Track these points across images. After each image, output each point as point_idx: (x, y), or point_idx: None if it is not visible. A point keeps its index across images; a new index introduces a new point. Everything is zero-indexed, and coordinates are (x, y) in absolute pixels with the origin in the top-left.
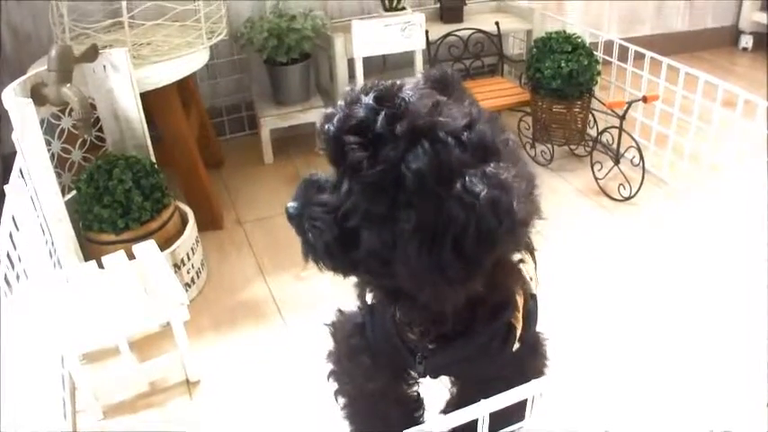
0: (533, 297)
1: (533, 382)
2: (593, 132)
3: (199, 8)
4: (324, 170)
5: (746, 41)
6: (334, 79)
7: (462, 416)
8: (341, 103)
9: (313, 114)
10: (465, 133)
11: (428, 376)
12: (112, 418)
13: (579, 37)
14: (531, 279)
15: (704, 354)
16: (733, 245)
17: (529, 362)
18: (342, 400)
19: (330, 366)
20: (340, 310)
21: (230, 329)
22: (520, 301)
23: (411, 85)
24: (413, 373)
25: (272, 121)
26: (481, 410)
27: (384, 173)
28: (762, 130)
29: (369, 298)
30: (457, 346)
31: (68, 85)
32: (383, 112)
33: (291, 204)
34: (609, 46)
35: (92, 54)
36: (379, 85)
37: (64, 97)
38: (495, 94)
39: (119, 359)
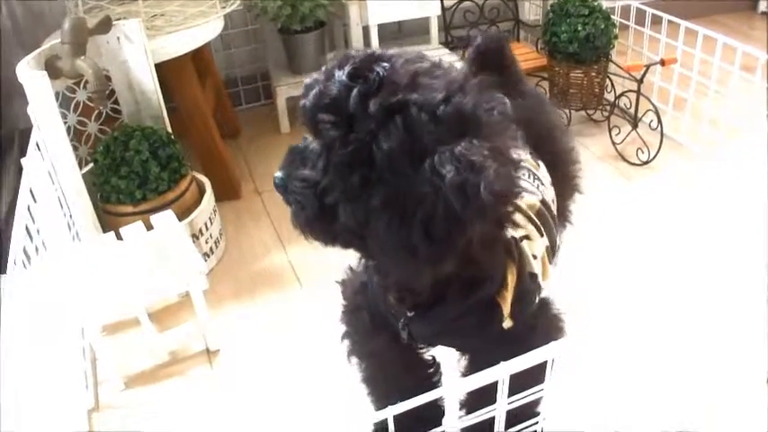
0: (533, 276)
1: (551, 344)
2: (610, 97)
3: None
4: None
5: (766, 5)
6: (350, 47)
7: (479, 379)
8: (318, 76)
9: None
10: (441, 107)
11: (417, 343)
12: (134, 388)
13: (596, 0)
14: (534, 258)
15: (717, 322)
16: (752, 209)
17: (531, 342)
18: (354, 361)
19: (341, 326)
20: (350, 268)
21: (250, 298)
22: (511, 279)
23: (393, 54)
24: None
25: (287, 89)
26: (500, 373)
27: (356, 152)
28: None
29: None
30: (432, 316)
31: (83, 57)
32: (356, 89)
33: (277, 175)
34: (626, 10)
35: (105, 26)
36: (356, 56)
37: (78, 70)
38: None
39: (139, 330)
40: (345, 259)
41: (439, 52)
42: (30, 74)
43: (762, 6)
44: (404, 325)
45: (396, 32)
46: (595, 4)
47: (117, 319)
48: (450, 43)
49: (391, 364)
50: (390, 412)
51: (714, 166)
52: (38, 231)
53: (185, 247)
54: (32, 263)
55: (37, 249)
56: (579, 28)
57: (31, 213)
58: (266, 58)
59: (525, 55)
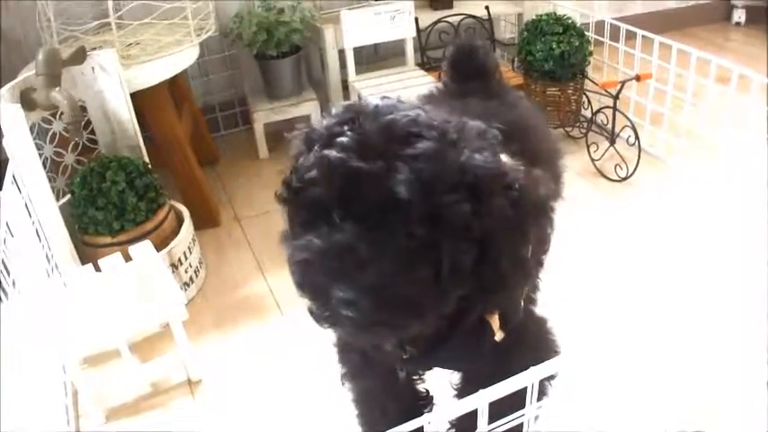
0: None
1: (530, 370)
2: (587, 113)
3: (186, 6)
4: None
5: (739, 16)
6: (326, 71)
7: (460, 407)
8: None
9: (306, 107)
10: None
11: (413, 375)
12: (115, 420)
13: (569, 18)
14: None
15: (704, 332)
16: (732, 223)
17: (522, 352)
18: (347, 385)
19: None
20: None
21: (231, 327)
22: None
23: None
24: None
25: (265, 115)
26: (479, 401)
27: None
28: (756, 105)
29: None
30: (429, 350)
31: (57, 88)
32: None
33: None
34: (600, 26)
35: (80, 56)
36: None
37: (53, 101)
38: None
39: (120, 361)
40: None
41: (415, 74)
42: (4, 107)
43: (735, 17)
44: (401, 365)
45: (372, 55)
46: (569, 21)
47: (97, 351)
48: (425, 64)
49: (383, 396)
50: None
51: (692, 181)
52: (14, 266)
53: (164, 277)
54: (9, 297)
55: (14, 283)
56: (554, 46)
57: (6, 247)
58: (243, 84)
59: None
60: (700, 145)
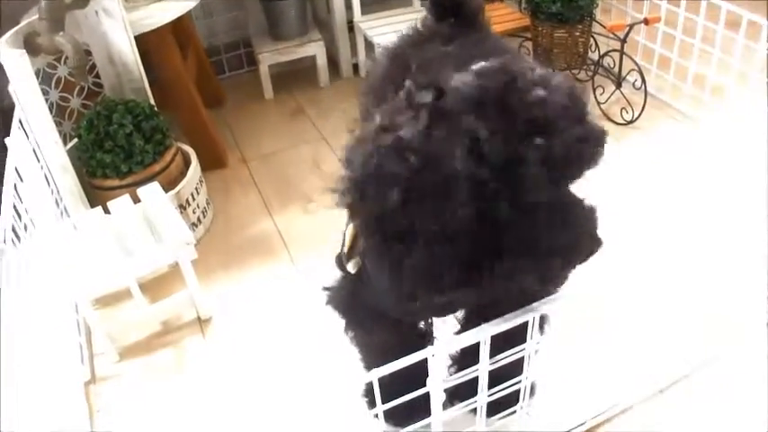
0: None
1: (532, 305)
2: (594, 56)
3: None
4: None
5: None
6: (332, 11)
7: (462, 339)
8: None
9: (311, 48)
10: None
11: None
12: (128, 359)
13: None
14: None
15: (706, 275)
16: (736, 166)
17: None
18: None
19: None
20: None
21: (239, 267)
22: None
23: None
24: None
25: (270, 56)
26: (482, 334)
27: None
28: (764, 51)
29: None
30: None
31: (61, 33)
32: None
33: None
34: None
35: (83, 0)
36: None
37: (58, 45)
38: (495, 20)
39: (131, 302)
40: (334, 224)
41: (421, 14)
42: (8, 52)
43: None
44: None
45: None
46: None
47: (109, 292)
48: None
49: (388, 340)
50: (375, 375)
51: (699, 126)
52: (26, 210)
53: (172, 218)
54: (22, 241)
55: (26, 227)
56: None
57: (17, 192)
58: (248, 25)
59: (508, 15)
60: (707, 90)
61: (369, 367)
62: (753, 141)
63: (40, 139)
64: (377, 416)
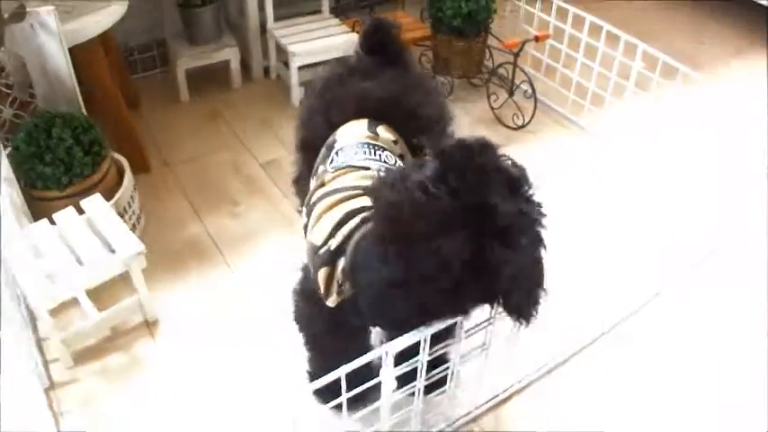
0: None
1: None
2: (489, 64)
3: None
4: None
5: None
6: (246, 16)
7: (408, 338)
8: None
9: (226, 53)
10: None
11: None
12: (83, 364)
13: None
14: None
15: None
16: (620, 165)
17: None
18: (302, 331)
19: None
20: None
21: (175, 271)
22: None
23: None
24: None
25: (187, 60)
26: (422, 335)
27: None
28: (637, 66)
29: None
30: None
31: (2, 48)
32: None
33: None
34: None
35: (20, 15)
36: None
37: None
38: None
39: (77, 308)
40: (260, 225)
41: (330, 22)
42: None
43: None
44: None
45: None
46: None
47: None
48: (338, 11)
49: (336, 339)
50: (343, 371)
51: (583, 130)
52: None
53: (119, 228)
54: None
55: None
56: (462, 5)
57: None
58: (163, 28)
59: (410, 25)
60: (588, 99)
61: (320, 366)
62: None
63: None
64: (338, 407)
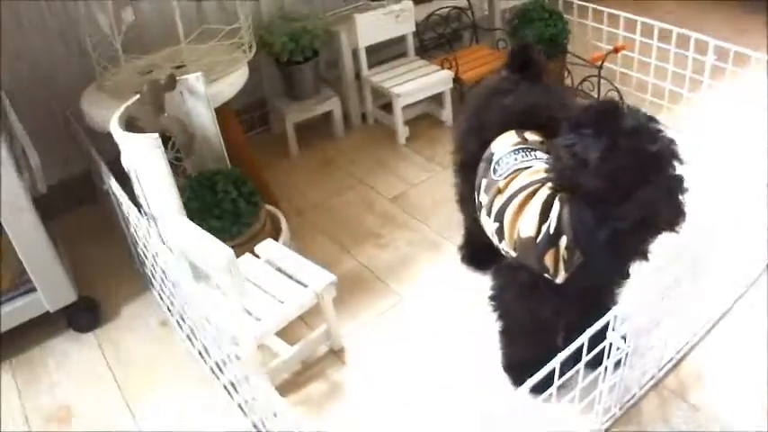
0: None
1: None
2: (568, 81)
3: (241, 25)
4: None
5: None
6: (342, 68)
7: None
8: None
9: (329, 103)
10: None
11: None
12: (285, 396)
13: (550, 5)
14: None
15: None
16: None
17: None
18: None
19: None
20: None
21: (343, 302)
22: None
23: None
24: None
25: (294, 115)
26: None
27: None
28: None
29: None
30: None
31: (165, 114)
32: None
33: None
34: (568, 5)
35: (171, 84)
36: None
37: (164, 127)
38: (479, 61)
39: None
40: (409, 253)
41: (418, 63)
42: (144, 141)
43: None
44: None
45: (373, 49)
46: (553, 8)
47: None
48: (422, 51)
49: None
50: (557, 361)
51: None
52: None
53: (305, 263)
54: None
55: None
56: (543, 30)
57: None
58: (263, 89)
59: (488, 56)
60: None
61: (520, 353)
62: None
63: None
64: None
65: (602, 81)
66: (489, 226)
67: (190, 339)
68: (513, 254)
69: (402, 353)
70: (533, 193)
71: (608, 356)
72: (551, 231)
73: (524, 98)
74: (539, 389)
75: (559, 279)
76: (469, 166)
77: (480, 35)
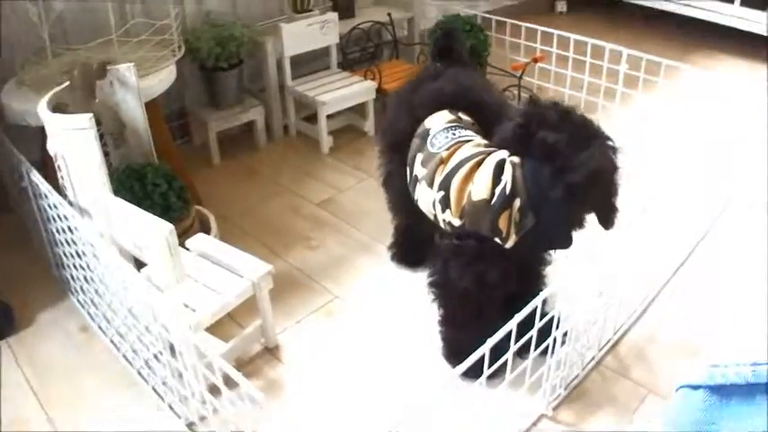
0: None
1: None
2: None
3: (170, 24)
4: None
5: (561, 6)
6: (266, 77)
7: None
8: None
9: (253, 112)
10: None
11: None
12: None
13: (471, 18)
14: None
15: None
16: None
17: None
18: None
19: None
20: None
21: (275, 303)
22: None
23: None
24: None
25: (217, 124)
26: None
27: None
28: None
29: None
30: None
31: (96, 101)
32: None
33: None
34: (487, 21)
35: (102, 71)
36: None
37: (96, 114)
38: (401, 74)
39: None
40: (342, 254)
41: (341, 75)
42: (79, 119)
43: (558, 8)
44: None
45: (298, 60)
46: (473, 22)
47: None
48: (345, 65)
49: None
50: (487, 346)
51: None
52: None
53: (239, 254)
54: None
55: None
56: (465, 41)
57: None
58: (184, 98)
59: (409, 70)
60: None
61: (461, 335)
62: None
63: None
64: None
65: (522, 91)
66: (430, 196)
67: (114, 343)
68: (458, 222)
69: (338, 349)
70: (480, 162)
71: (552, 352)
72: (507, 192)
73: (453, 80)
74: (473, 373)
75: (509, 243)
76: (400, 146)
77: (401, 51)
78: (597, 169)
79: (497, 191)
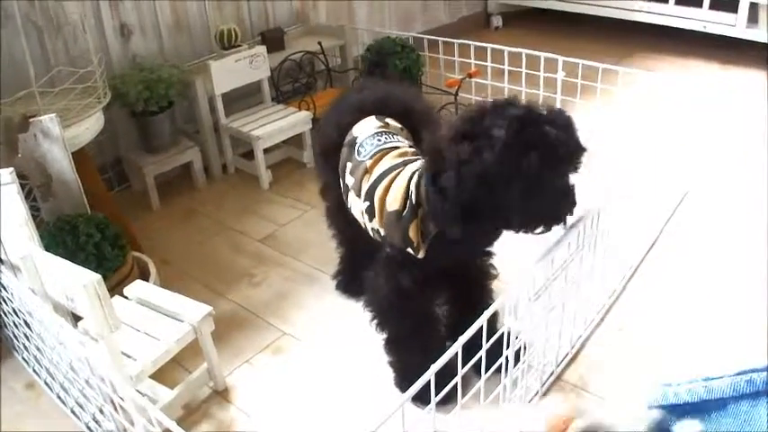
0: None
1: None
2: None
3: (94, 70)
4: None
5: (497, 21)
6: (198, 117)
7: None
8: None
9: (189, 154)
10: None
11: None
12: None
13: (403, 39)
14: None
15: None
16: None
17: None
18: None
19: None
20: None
21: (222, 346)
22: None
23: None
24: None
25: (154, 168)
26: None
27: None
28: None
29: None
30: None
31: (18, 155)
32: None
33: None
34: (418, 41)
35: (24, 125)
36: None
37: (19, 169)
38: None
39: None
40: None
41: (276, 108)
42: (4, 186)
43: (494, 23)
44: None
45: (231, 96)
46: (405, 42)
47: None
48: (279, 98)
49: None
50: (432, 371)
51: None
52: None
53: (179, 299)
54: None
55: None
56: (397, 62)
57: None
58: (119, 144)
59: None
60: None
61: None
62: None
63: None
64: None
65: (459, 109)
66: (359, 206)
67: (61, 398)
68: (384, 232)
69: (290, 386)
70: (400, 168)
71: (506, 371)
72: (413, 201)
73: (377, 89)
74: (423, 399)
75: (421, 253)
76: (330, 153)
77: (335, 79)
78: (474, 173)
79: (409, 202)
